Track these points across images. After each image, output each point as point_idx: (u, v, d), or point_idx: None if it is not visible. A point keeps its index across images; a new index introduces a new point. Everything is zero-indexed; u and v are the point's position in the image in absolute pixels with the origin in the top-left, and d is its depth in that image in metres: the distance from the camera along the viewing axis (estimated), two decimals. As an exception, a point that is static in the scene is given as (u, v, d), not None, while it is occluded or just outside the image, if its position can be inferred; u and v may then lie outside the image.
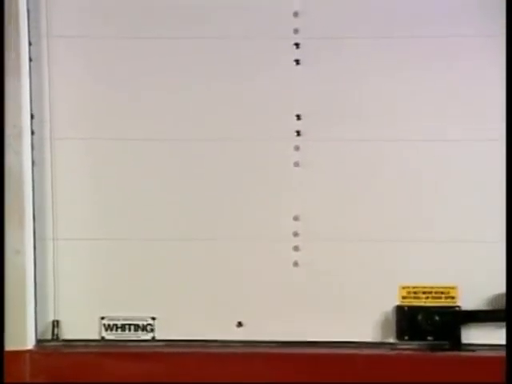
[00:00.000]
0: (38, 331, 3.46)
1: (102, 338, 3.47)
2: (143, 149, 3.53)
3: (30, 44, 3.40)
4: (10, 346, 3.35)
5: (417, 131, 3.55)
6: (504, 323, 3.33)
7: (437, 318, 3.40)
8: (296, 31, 3.48)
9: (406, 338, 3.41)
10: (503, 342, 3.33)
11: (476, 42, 3.59)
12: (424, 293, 3.43)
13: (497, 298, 3.43)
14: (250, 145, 3.51)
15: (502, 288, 3.38)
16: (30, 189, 3.42)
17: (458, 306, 3.41)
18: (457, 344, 3.39)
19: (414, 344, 3.42)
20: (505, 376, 3.05)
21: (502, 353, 3.23)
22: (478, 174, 3.52)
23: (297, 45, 3.46)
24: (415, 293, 3.44)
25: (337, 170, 3.48)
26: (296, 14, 3.48)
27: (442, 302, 3.43)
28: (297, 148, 3.43)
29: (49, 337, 3.46)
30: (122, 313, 3.50)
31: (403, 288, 3.43)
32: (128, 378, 3.44)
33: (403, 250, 3.47)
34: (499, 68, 3.49)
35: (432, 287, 3.44)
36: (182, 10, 3.57)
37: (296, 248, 3.45)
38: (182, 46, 3.53)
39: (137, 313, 3.50)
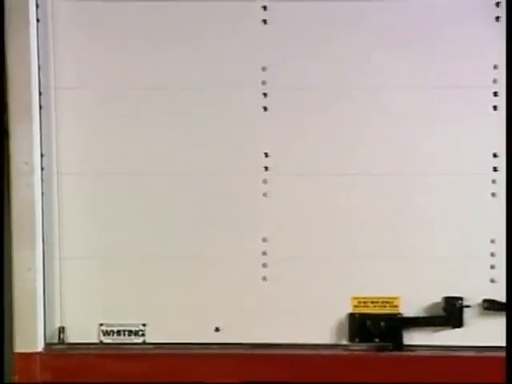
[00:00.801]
0: (47, 336, 3.65)
1: (101, 341, 3.67)
2: (134, 182, 3.68)
3: (40, 94, 3.57)
4: (22, 348, 3.61)
5: (375, 165, 3.70)
6: (439, 327, 3.60)
7: (382, 323, 3.61)
8: (264, 83, 3.65)
9: (357, 340, 3.62)
10: (439, 343, 3.66)
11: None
12: (372, 302, 3.63)
13: (433, 306, 3.61)
14: (226, 178, 3.65)
15: (438, 297, 3.61)
16: (40, 216, 3.60)
17: (400, 313, 3.61)
18: (399, 345, 3.60)
19: (364, 345, 3.64)
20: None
21: (438, 352, 3.60)
22: (420, 198, 3.67)
23: (265, 94, 3.62)
24: (364, 302, 3.63)
25: (299, 199, 3.64)
26: (264, 69, 3.63)
27: (387, 310, 3.62)
28: (265, 181, 3.61)
29: (56, 341, 3.65)
30: (118, 320, 3.68)
31: (354, 298, 3.62)
32: (123, 376, 3.62)
33: (355, 267, 3.64)
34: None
35: (378, 298, 3.63)
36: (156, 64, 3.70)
37: (264, 265, 3.63)
38: (168, 96, 3.68)
39: (130, 320, 3.68)
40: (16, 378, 3.64)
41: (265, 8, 3.68)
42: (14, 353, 3.64)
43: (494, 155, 3.61)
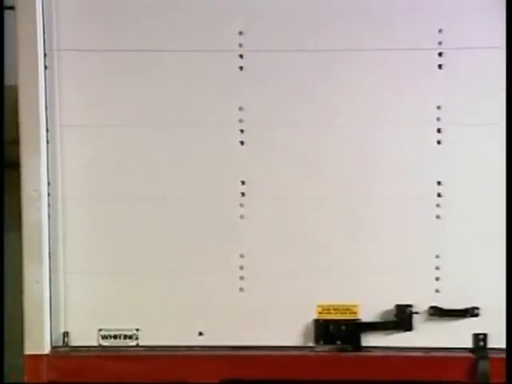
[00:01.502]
0: (53, 340, 3.77)
1: (100, 344, 3.81)
2: (127, 207, 3.79)
3: (47, 131, 3.68)
4: (31, 351, 3.74)
5: (337, 191, 3.81)
6: (392, 330, 3.76)
7: (343, 327, 3.75)
8: (241, 121, 3.77)
9: (322, 342, 3.77)
10: (392, 344, 3.80)
11: None
12: (334, 309, 3.77)
13: (387, 312, 3.76)
14: (209, 203, 3.78)
15: (391, 305, 3.77)
16: (47, 235, 3.71)
17: (359, 319, 3.77)
18: (358, 347, 3.75)
19: (327, 347, 3.78)
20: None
21: (391, 353, 3.75)
22: (375, 220, 3.80)
23: (242, 130, 3.75)
24: (328, 309, 3.78)
25: (271, 220, 3.77)
26: (241, 108, 3.77)
27: (347, 316, 3.77)
28: (241, 205, 3.75)
29: (60, 344, 3.79)
30: (115, 326, 3.82)
31: (319, 306, 3.77)
32: (119, 375, 3.74)
33: (320, 279, 3.78)
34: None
35: (340, 305, 3.77)
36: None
37: (241, 277, 3.77)
38: (157, 132, 3.80)
39: (125, 326, 3.82)
40: (26, 377, 3.72)
41: (241, 56, 3.77)
42: (24, 355, 3.72)
43: (439, 183, 3.73)
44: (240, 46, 3.76)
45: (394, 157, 3.79)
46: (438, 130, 3.75)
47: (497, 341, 3.73)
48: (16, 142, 3.72)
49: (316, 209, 3.79)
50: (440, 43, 3.76)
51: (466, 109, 3.77)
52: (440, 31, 3.76)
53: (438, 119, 3.74)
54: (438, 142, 3.76)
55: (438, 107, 3.74)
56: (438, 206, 3.76)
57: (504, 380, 3.50)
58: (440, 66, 3.75)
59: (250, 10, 3.78)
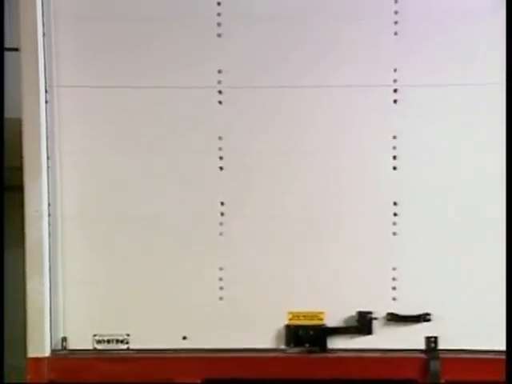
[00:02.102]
0: (52, 344, 3.84)
1: (95, 348, 3.88)
2: (117, 226, 3.87)
3: (48, 158, 3.76)
4: (34, 354, 3.81)
5: (304, 212, 3.88)
6: (354, 334, 3.83)
7: (311, 332, 3.83)
8: (220, 149, 3.84)
9: (292, 345, 3.85)
10: (354, 346, 3.87)
11: None
12: (303, 316, 3.85)
13: (349, 318, 3.85)
14: (192, 222, 3.86)
15: (353, 312, 3.85)
16: (47, 251, 3.80)
17: (325, 324, 3.85)
18: (324, 349, 3.84)
19: (297, 349, 3.86)
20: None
21: (353, 354, 3.83)
22: (338, 239, 3.88)
23: (221, 157, 3.82)
24: (298, 316, 3.86)
25: (248, 237, 3.86)
26: (220, 138, 3.83)
27: (315, 322, 3.85)
28: (221, 223, 3.84)
29: (59, 348, 3.85)
30: (108, 331, 3.89)
31: (290, 313, 3.86)
32: (111, 375, 3.80)
33: (291, 289, 3.86)
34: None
35: (308, 312, 3.85)
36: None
37: (221, 288, 3.86)
38: (144, 161, 3.87)
39: (117, 331, 3.89)
40: (28, 378, 3.78)
41: (219, 82, 3.83)
42: (27, 358, 3.79)
43: (395, 203, 3.81)
44: (219, 82, 3.81)
45: (355, 181, 3.85)
46: (394, 157, 3.82)
47: (447, 343, 3.82)
48: (20, 168, 3.75)
49: (287, 227, 3.86)
50: (395, 80, 3.82)
51: (419, 139, 3.83)
52: (395, 70, 3.81)
53: (394, 147, 3.80)
54: (394, 168, 3.83)
55: (394, 137, 3.80)
56: (394, 223, 3.83)
57: (454, 377, 3.72)
58: (395, 101, 3.80)
59: (227, 53, 3.83)
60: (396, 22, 3.81)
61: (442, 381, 3.78)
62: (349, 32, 3.82)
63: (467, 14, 3.80)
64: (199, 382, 3.85)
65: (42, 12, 3.75)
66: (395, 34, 3.81)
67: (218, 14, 3.79)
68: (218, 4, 3.79)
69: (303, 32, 3.82)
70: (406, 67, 3.83)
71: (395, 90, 3.82)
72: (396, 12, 3.81)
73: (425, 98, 3.83)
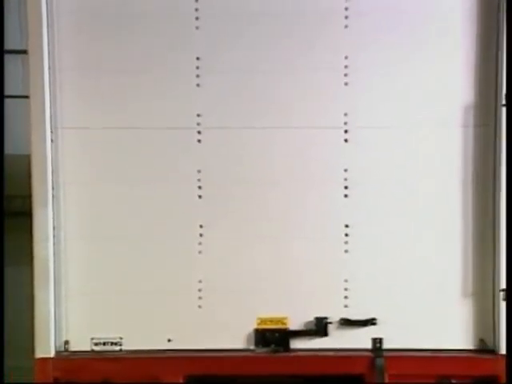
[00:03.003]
0: (57, 346, 3.92)
1: (92, 350, 3.96)
2: (112, 245, 3.94)
3: (52, 188, 3.84)
4: (40, 355, 3.86)
5: (270, 233, 3.96)
6: (313, 336, 3.93)
7: (276, 334, 3.93)
8: (199, 180, 3.91)
9: (260, 346, 3.95)
10: (312, 347, 3.97)
11: None
12: (270, 321, 3.95)
13: (308, 323, 3.95)
14: (175, 241, 3.94)
15: (311, 317, 3.96)
16: (52, 268, 3.87)
17: (288, 328, 3.95)
18: (287, 349, 3.95)
19: (264, 349, 3.95)
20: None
21: (312, 353, 3.95)
22: (300, 258, 3.96)
23: (199, 187, 3.91)
24: (265, 321, 3.96)
25: (223, 255, 3.95)
26: (199, 171, 3.91)
27: (280, 326, 3.94)
28: (200, 243, 3.92)
29: (62, 349, 3.93)
30: (104, 335, 3.97)
31: (258, 318, 3.96)
32: (107, 373, 3.87)
33: (259, 298, 3.93)
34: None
35: (274, 318, 3.95)
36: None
37: (200, 297, 3.95)
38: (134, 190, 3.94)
39: (112, 335, 3.97)
40: (36, 375, 3.87)
41: (198, 124, 3.90)
42: (35, 358, 3.87)
43: (346, 226, 3.92)
44: (198, 124, 3.90)
45: (314, 208, 3.95)
46: (345, 187, 3.91)
47: (390, 343, 3.93)
48: (29, 196, 3.83)
49: (256, 247, 3.95)
50: (345, 123, 3.89)
51: (367, 172, 3.92)
52: (345, 114, 3.88)
53: (345, 179, 3.89)
54: (345, 196, 3.92)
55: (345, 170, 3.89)
56: (345, 243, 3.93)
57: (396, 372, 3.85)
58: (346, 140, 3.89)
59: (205, 100, 3.91)
60: (346, 74, 3.90)
61: (386, 375, 3.86)
62: (304, 83, 3.90)
63: (412, 64, 3.89)
64: (182, 379, 3.90)
65: (49, 66, 3.81)
66: (345, 84, 3.89)
67: (197, 68, 3.87)
68: (197, 59, 3.87)
69: (266, 83, 3.90)
70: (356, 111, 3.90)
71: (346, 131, 3.91)
72: (346, 66, 3.90)
73: (372, 137, 3.91)
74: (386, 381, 3.86)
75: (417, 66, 3.89)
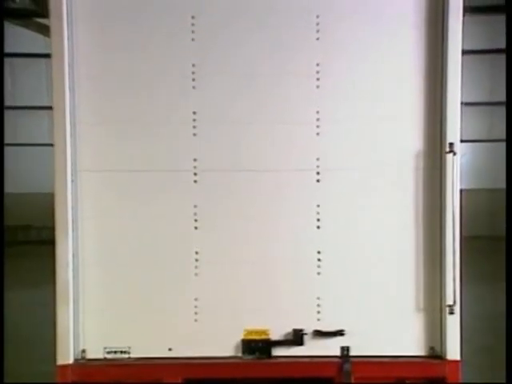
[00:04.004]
0: (75, 354, 3.92)
1: (105, 357, 3.96)
2: (120, 270, 3.96)
3: (72, 221, 3.85)
4: (61, 362, 3.88)
5: (254, 258, 3.97)
6: (291, 345, 3.94)
7: (260, 344, 3.95)
8: (195, 214, 3.94)
9: (246, 354, 3.95)
10: (290, 354, 3.96)
11: None
12: (255, 332, 3.95)
13: (287, 334, 3.96)
14: (175, 265, 3.94)
15: (290, 329, 3.95)
16: (72, 288, 3.88)
17: (270, 338, 3.96)
18: (269, 356, 3.95)
19: (250, 356, 3.96)
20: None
21: (290, 359, 3.96)
22: (278, 274, 3.96)
23: (196, 220, 3.91)
24: (250, 332, 3.96)
25: (216, 277, 3.96)
26: (195, 206, 3.95)
27: (263, 336, 3.96)
28: (196, 267, 3.96)
29: (80, 357, 3.93)
30: (114, 345, 3.98)
31: (245, 330, 3.97)
32: (117, 377, 3.91)
33: (246, 314, 3.96)
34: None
35: (258, 330, 3.97)
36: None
37: (196, 313, 3.95)
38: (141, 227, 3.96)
39: (121, 345, 3.98)
40: (58, 379, 3.89)
41: (195, 174, 3.92)
42: (56, 365, 3.88)
43: (318, 252, 3.94)
44: (194, 167, 3.93)
45: (290, 238, 3.98)
46: (318, 220, 3.93)
47: (356, 350, 3.96)
48: (53, 228, 3.90)
49: (243, 271, 3.97)
50: (318, 166, 3.92)
51: (338, 209, 3.95)
52: (317, 159, 3.92)
53: (318, 213, 3.93)
54: (318, 227, 3.94)
55: (318, 205, 3.93)
56: (318, 266, 3.96)
57: (361, 375, 3.90)
58: (318, 181, 3.93)
59: (200, 148, 3.95)
60: (318, 126, 3.97)
61: (353, 378, 3.90)
62: (279, 134, 3.96)
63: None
64: (181, 381, 3.93)
65: (70, 121, 3.89)
66: (317, 134, 3.97)
67: (194, 121, 3.95)
68: (194, 113, 3.94)
69: (252, 134, 3.98)
70: (325, 156, 3.96)
71: (318, 173, 3.98)
72: (318, 119, 3.96)
73: (342, 179, 3.97)
74: (353, 382, 3.91)
75: (375, 121, 3.95)
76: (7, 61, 15.86)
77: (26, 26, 15.19)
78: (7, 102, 16.16)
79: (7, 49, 16.11)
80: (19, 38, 15.68)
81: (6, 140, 15.95)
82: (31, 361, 7.29)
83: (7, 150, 15.85)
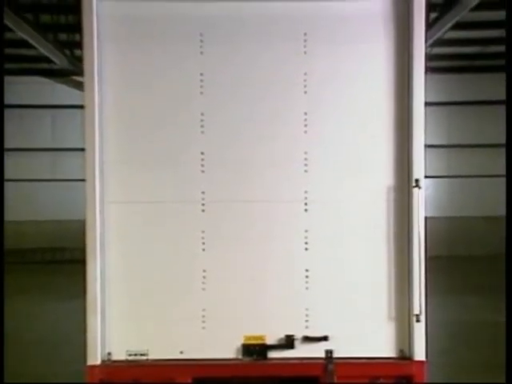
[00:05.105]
0: (102, 356, 3.87)
1: (127, 359, 3.91)
2: (137, 283, 3.91)
3: (100, 244, 3.81)
4: (90, 362, 3.84)
5: (247, 275, 3.91)
6: (283, 349, 3.86)
7: (257, 348, 3.90)
8: (203, 238, 3.91)
9: (246, 356, 3.89)
10: (283, 356, 3.88)
11: None
12: (253, 338, 3.90)
13: (280, 339, 3.90)
14: (185, 281, 3.89)
15: (282, 335, 3.89)
16: (99, 300, 3.82)
17: (265, 343, 3.91)
18: (265, 358, 3.90)
19: (249, 358, 3.90)
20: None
21: (283, 361, 3.88)
22: (270, 286, 3.88)
23: (203, 243, 3.88)
24: (249, 338, 3.91)
25: (220, 291, 3.89)
26: (203, 231, 3.91)
27: (259, 341, 3.90)
28: (203, 282, 3.88)
29: (106, 359, 3.88)
30: (135, 348, 3.93)
31: (244, 336, 3.92)
32: (136, 376, 3.87)
33: (245, 322, 3.90)
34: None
35: (255, 335, 3.91)
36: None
37: (203, 321, 3.86)
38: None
39: (140, 348, 3.92)
40: (88, 377, 3.85)
41: (203, 204, 3.89)
42: (86, 365, 3.85)
43: (306, 270, 3.88)
44: (202, 199, 3.90)
45: (282, 257, 3.91)
46: (306, 243, 3.89)
47: (338, 353, 3.91)
48: (84, 249, 3.87)
49: (243, 287, 3.93)
50: (306, 198, 3.89)
51: (323, 233, 3.89)
52: (305, 192, 3.89)
53: (306, 237, 3.89)
54: (306, 249, 3.90)
55: (306, 231, 3.90)
56: (306, 282, 3.91)
57: (343, 374, 3.83)
58: (306, 210, 3.92)
59: (207, 183, 3.91)
60: (306, 165, 3.98)
61: (335, 377, 3.85)
62: (270, 173, 3.94)
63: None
64: (190, 380, 3.89)
65: (98, 160, 3.87)
66: (305, 171, 3.95)
67: (202, 160, 3.95)
68: (202, 153, 3.94)
69: (250, 171, 3.96)
70: (312, 190, 3.95)
71: (306, 203, 3.97)
72: (306, 159, 3.95)
73: (326, 209, 3.95)
74: (335, 381, 3.86)
75: (354, 161, 3.95)
76: (48, 112, 15.99)
77: (66, 83, 15.44)
78: (47, 145, 16.37)
79: (49, 101, 16.35)
80: (59, 92, 15.91)
81: (44, 176, 16.26)
82: (63, 361, 7.20)
83: (45, 184, 15.98)
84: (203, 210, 3.91)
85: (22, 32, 9.50)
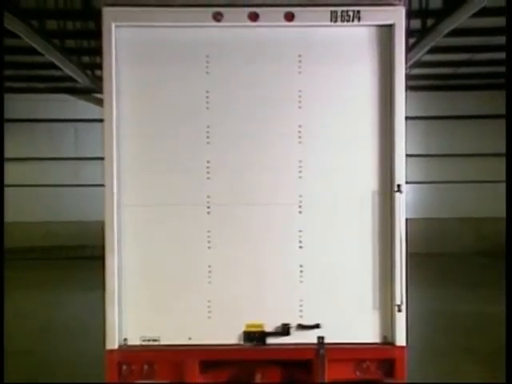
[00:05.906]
0: (119, 341, 3.83)
1: (141, 344, 3.85)
2: (148, 280, 3.83)
3: (117, 242, 3.74)
4: (109, 347, 3.79)
5: (247, 273, 3.86)
6: (280, 335, 3.82)
7: (257, 334, 3.85)
8: (209, 237, 3.84)
9: (247, 341, 3.84)
10: (280, 342, 3.83)
11: None
12: (253, 326, 3.85)
13: (278, 327, 3.85)
14: (192, 276, 3.83)
15: (279, 323, 3.85)
16: (117, 293, 3.77)
17: (264, 330, 3.87)
18: (264, 344, 3.85)
19: (249, 344, 3.86)
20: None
21: (280, 346, 3.83)
22: (267, 284, 3.85)
23: (209, 241, 3.82)
24: (250, 326, 3.86)
25: (224, 284, 3.84)
26: (209, 231, 3.84)
27: (259, 329, 3.86)
28: (209, 276, 3.81)
29: (123, 344, 3.84)
30: (148, 335, 3.88)
31: (246, 324, 3.87)
32: (150, 359, 3.83)
33: (246, 311, 3.86)
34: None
35: (255, 323, 3.87)
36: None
37: (209, 311, 3.82)
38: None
39: (153, 334, 3.88)
40: (106, 360, 3.82)
41: (208, 207, 3.83)
42: (105, 350, 3.79)
43: (301, 266, 3.85)
44: (208, 202, 3.86)
45: (277, 258, 3.88)
46: (300, 242, 3.83)
47: (329, 339, 3.86)
48: (103, 247, 3.81)
49: (244, 280, 3.89)
50: (300, 201, 3.84)
51: (314, 233, 3.86)
52: (300, 196, 3.84)
53: (300, 236, 3.83)
54: (300, 247, 3.83)
55: (300, 231, 3.83)
56: (300, 276, 3.87)
57: (333, 357, 3.78)
58: (300, 212, 3.87)
59: (213, 189, 3.86)
60: (300, 172, 3.92)
61: (326, 360, 3.83)
62: (272, 178, 3.90)
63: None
64: (198, 363, 3.85)
65: (116, 169, 3.84)
66: (300, 177, 3.91)
67: (207, 167, 3.90)
68: (208, 162, 3.88)
69: (251, 177, 3.90)
70: (306, 194, 3.91)
71: (300, 206, 3.92)
72: (300, 166, 3.94)
73: (318, 211, 3.90)
74: (326, 364, 3.84)
75: (343, 168, 3.91)
76: (72, 125, 16.02)
77: (87, 100, 15.53)
78: (71, 155, 16.11)
79: (73, 116, 16.38)
80: (81, 108, 15.82)
81: (68, 182, 16.22)
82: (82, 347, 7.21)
83: (69, 189, 15.97)
84: (209, 212, 3.86)
85: (50, 55, 9.60)
